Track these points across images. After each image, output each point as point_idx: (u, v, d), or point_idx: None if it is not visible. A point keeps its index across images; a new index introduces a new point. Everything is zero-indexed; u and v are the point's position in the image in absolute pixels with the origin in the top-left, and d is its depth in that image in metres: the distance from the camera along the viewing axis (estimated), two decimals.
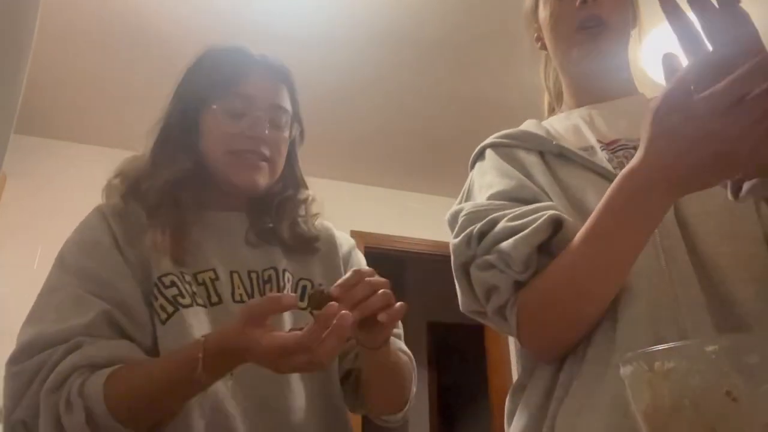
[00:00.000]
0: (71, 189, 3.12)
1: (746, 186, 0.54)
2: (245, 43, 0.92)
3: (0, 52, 0.56)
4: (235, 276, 0.84)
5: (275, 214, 0.92)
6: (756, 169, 0.52)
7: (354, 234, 3.63)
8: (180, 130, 0.87)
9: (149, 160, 0.87)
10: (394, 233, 3.73)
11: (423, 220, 3.76)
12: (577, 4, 0.81)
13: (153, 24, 2.38)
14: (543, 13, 0.88)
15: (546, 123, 0.87)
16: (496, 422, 3.70)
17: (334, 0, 2.28)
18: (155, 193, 0.83)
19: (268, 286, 0.86)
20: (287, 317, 0.84)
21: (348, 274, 0.68)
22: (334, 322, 0.59)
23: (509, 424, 0.73)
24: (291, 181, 0.96)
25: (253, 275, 0.86)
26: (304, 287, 0.89)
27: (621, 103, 0.84)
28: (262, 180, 0.87)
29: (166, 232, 0.81)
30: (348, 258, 0.99)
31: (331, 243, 0.97)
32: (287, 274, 0.88)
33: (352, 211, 3.67)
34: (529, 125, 0.87)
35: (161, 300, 0.77)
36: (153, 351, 0.75)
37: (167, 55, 2.57)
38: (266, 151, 0.87)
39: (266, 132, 0.86)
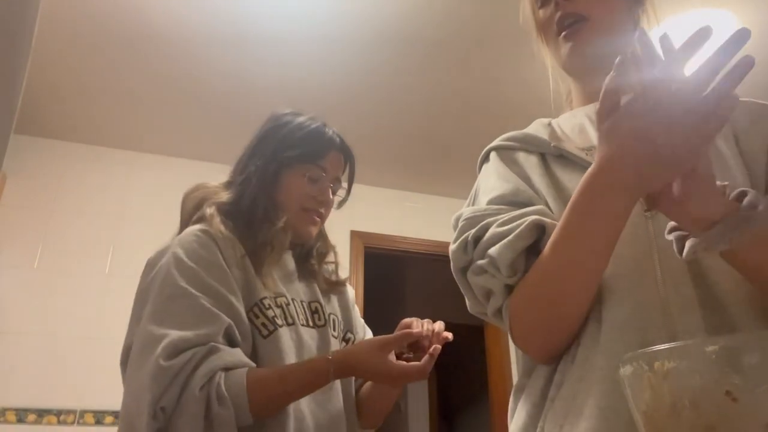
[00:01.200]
0: (71, 189, 3.12)
1: (688, 244, 0.55)
2: (322, 118, 1.18)
3: (0, 52, 0.56)
4: (296, 303, 1.06)
5: (316, 258, 1.17)
6: (700, 169, 0.53)
7: (354, 234, 3.63)
8: (269, 183, 1.09)
9: (246, 206, 1.07)
10: (394, 233, 3.72)
11: (423, 220, 3.75)
12: (552, 7, 0.82)
13: (153, 24, 2.37)
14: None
15: (554, 122, 0.88)
16: (496, 422, 3.70)
17: (335, 0, 2.28)
18: (262, 238, 1.04)
19: (316, 316, 1.09)
20: (306, 334, 1.04)
21: (424, 331, 0.99)
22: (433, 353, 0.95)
23: (511, 422, 0.75)
24: (321, 233, 1.21)
25: (305, 304, 1.08)
26: (334, 320, 1.13)
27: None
28: (315, 232, 1.14)
29: (265, 265, 1.02)
30: (354, 304, 1.24)
31: (345, 289, 1.23)
32: (326, 308, 1.12)
33: (352, 211, 3.66)
34: (535, 125, 0.87)
35: (263, 318, 0.97)
36: (251, 358, 0.93)
37: (167, 56, 2.57)
38: (324, 211, 1.14)
39: (330, 197, 1.14)
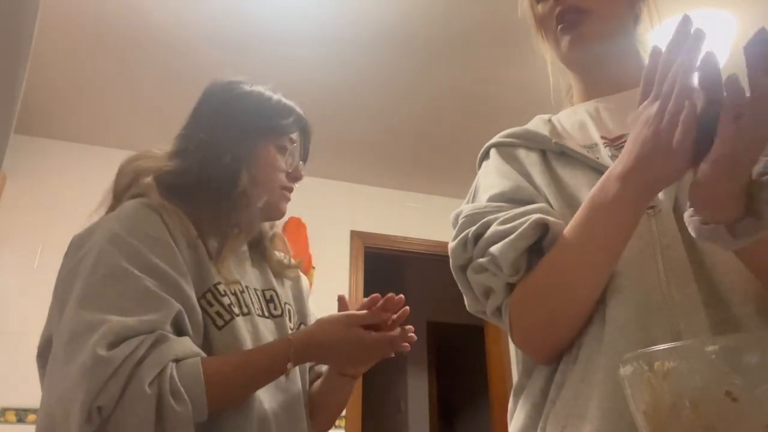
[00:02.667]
0: (71, 189, 3.12)
1: (697, 226, 0.54)
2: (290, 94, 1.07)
3: (0, 52, 0.56)
4: (251, 291, 0.95)
5: (268, 239, 1.06)
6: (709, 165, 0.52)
7: (354, 234, 3.64)
8: (245, 156, 0.96)
9: (198, 173, 0.92)
10: (394, 233, 3.72)
11: (423, 220, 3.75)
12: (552, 1, 0.81)
13: (153, 24, 2.37)
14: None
15: (555, 118, 0.87)
16: (496, 422, 3.70)
17: (335, 1, 2.28)
18: (236, 218, 0.93)
19: (271, 305, 0.98)
20: (263, 325, 0.94)
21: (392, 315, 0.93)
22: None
23: (511, 423, 0.74)
24: None
25: (259, 293, 0.98)
26: (290, 310, 1.03)
27: (629, 95, 0.80)
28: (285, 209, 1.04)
29: (222, 247, 0.91)
30: (308, 294, 1.14)
31: (299, 276, 1.13)
32: (282, 296, 1.02)
33: (352, 211, 3.67)
34: (536, 122, 0.86)
35: (217, 307, 0.85)
36: (205, 352, 0.81)
37: (167, 55, 2.57)
38: (293, 187, 1.04)
39: (302, 173, 1.05)
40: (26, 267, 2.91)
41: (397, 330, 0.90)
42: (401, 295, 0.95)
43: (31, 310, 2.83)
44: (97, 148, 3.22)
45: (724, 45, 2.34)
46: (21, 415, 2.66)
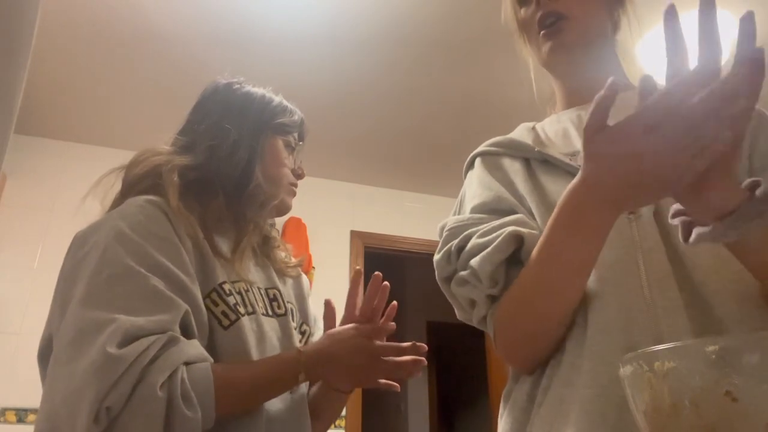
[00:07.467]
0: (71, 189, 3.12)
1: (696, 231, 0.53)
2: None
3: (0, 52, 0.56)
4: (255, 289, 0.93)
5: (272, 241, 1.06)
6: (688, 191, 0.52)
7: (354, 234, 3.64)
8: (259, 153, 0.97)
9: (213, 168, 0.93)
10: (394, 233, 3.72)
11: (423, 220, 3.75)
12: (533, 6, 0.82)
13: (153, 23, 2.37)
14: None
15: (539, 126, 0.88)
16: (496, 422, 3.70)
17: (334, 0, 2.28)
18: (252, 214, 0.95)
19: (275, 304, 0.97)
20: (267, 324, 0.92)
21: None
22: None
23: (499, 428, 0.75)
24: None
25: (263, 291, 0.96)
26: (292, 310, 1.02)
27: None
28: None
29: (227, 244, 0.92)
30: (308, 294, 1.13)
31: (301, 275, 1.12)
32: (285, 295, 1.01)
33: (352, 211, 3.67)
34: (520, 130, 0.88)
35: (223, 306, 0.84)
36: (208, 350, 0.79)
37: (167, 55, 2.57)
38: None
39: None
40: (26, 267, 2.91)
41: (408, 357, 0.90)
42: (386, 283, 0.99)
43: (31, 310, 2.84)
44: (97, 148, 3.22)
45: (723, 45, 2.34)
46: (21, 415, 2.66)
